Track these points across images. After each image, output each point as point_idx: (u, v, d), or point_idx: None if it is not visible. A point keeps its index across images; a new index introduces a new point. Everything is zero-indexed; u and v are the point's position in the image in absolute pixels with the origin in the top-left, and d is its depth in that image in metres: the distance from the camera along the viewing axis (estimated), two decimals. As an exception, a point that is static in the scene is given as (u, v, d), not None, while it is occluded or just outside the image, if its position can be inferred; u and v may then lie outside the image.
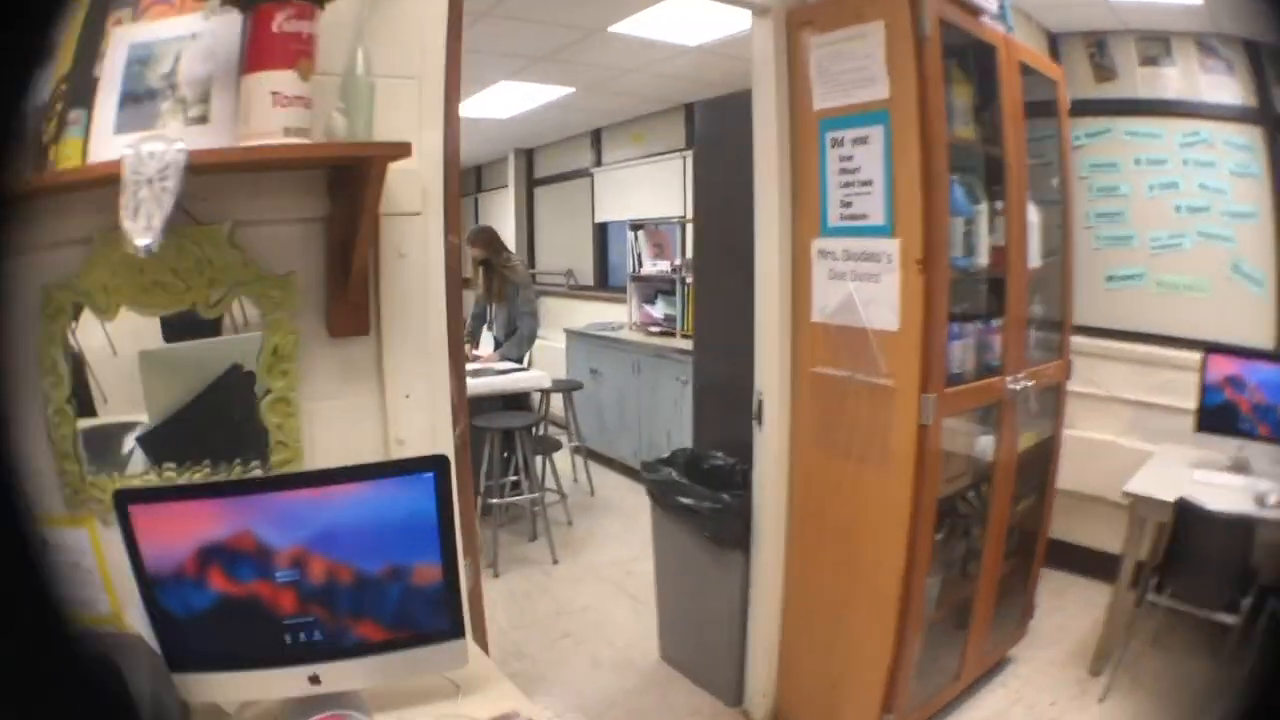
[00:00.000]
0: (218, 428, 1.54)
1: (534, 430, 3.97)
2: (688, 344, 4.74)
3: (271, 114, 1.28)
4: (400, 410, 1.64)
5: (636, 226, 5.90)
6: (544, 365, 6.88)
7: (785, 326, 2.34)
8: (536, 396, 4.72)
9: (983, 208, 2.41)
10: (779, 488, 2.38)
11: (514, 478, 4.12)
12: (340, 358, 1.64)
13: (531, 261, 8.01)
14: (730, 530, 2.43)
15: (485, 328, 4.99)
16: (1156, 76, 3.41)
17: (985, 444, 2.47)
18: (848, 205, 2.11)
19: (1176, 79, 3.35)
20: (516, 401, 4.43)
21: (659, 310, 5.52)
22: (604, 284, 7.05)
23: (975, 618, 2.53)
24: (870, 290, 2.07)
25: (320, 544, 1.23)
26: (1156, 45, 3.38)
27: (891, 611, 2.15)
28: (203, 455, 1.50)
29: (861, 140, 2.07)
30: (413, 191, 1.60)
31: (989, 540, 2.51)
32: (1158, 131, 3.42)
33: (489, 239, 4.75)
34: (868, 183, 2.05)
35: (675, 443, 4.74)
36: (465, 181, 9.58)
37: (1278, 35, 2.32)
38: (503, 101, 5.56)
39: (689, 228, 5.64)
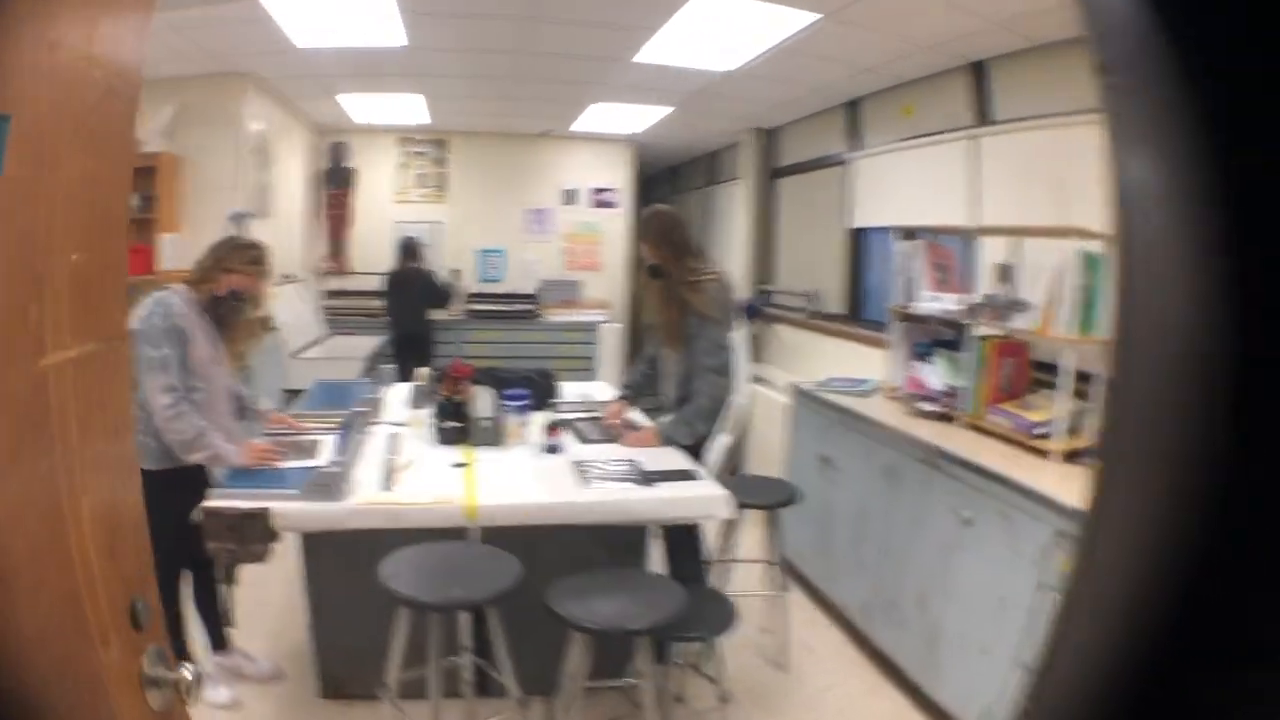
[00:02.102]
0: None
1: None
2: (977, 444, 2.65)
3: None
4: None
5: (907, 235, 3.84)
6: (759, 429, 4.89)
7: None
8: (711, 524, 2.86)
9: None
10: None
11: (630, 683, 2.37)
12: None
13: (766, 277, 6.17)
14: None
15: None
16: None
17: None
18: None
19: None
20: (676, 537, 2.69)
21: (936, 375, 3.42)
22: (857, 314, 5.03)
23: None
24: None
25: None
26: None
27: None
28: None
29: None
30: None
31: None
32: None
33: (661, 228, 2.86)
34: None
35: (930, 616, 2.70)
36: (696, 172, 7.96)
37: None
38: (715, 42, 3.88)
39: (986, 244, 3.45)
